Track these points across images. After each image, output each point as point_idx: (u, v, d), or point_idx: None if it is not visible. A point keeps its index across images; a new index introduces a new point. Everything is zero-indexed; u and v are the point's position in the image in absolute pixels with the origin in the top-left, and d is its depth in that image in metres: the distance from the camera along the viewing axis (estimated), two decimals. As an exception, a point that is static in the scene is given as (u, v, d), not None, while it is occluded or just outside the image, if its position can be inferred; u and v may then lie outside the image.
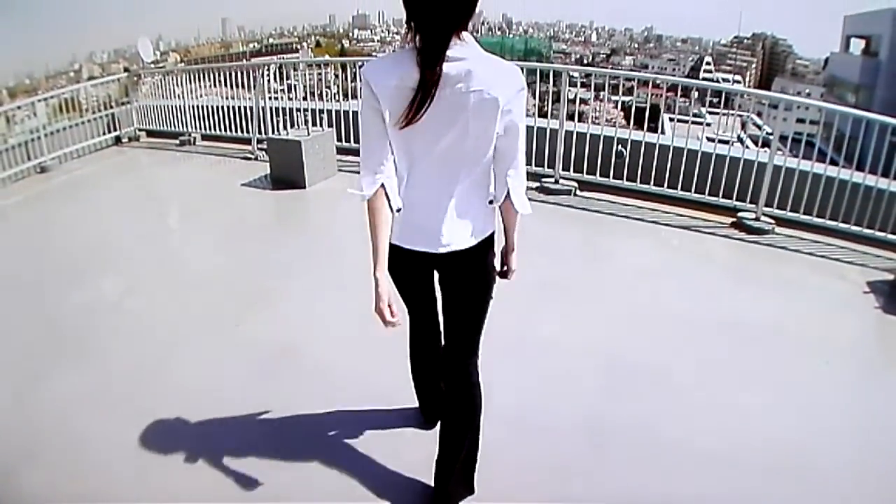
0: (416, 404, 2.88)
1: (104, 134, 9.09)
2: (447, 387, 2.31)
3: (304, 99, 8.08)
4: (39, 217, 6.47)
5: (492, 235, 2.12)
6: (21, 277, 4.79)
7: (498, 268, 2.30)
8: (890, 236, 5.06)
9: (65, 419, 3.05)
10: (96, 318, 4.02)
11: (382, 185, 1.87)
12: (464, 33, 1.79)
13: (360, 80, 1.97)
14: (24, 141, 8.09)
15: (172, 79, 9.29)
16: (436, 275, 2.25)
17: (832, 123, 5.63)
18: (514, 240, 2.26)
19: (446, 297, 2.22)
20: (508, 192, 1.99)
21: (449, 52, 1.74)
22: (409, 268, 2.15)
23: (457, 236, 2.02)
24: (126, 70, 10.04)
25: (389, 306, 1.96)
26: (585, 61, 79.64)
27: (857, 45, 37.61)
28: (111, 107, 9.39)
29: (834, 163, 5.55)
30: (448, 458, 2.33)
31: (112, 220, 6.03)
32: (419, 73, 1.73)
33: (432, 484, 2.44)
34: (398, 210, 1.94)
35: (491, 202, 2.06)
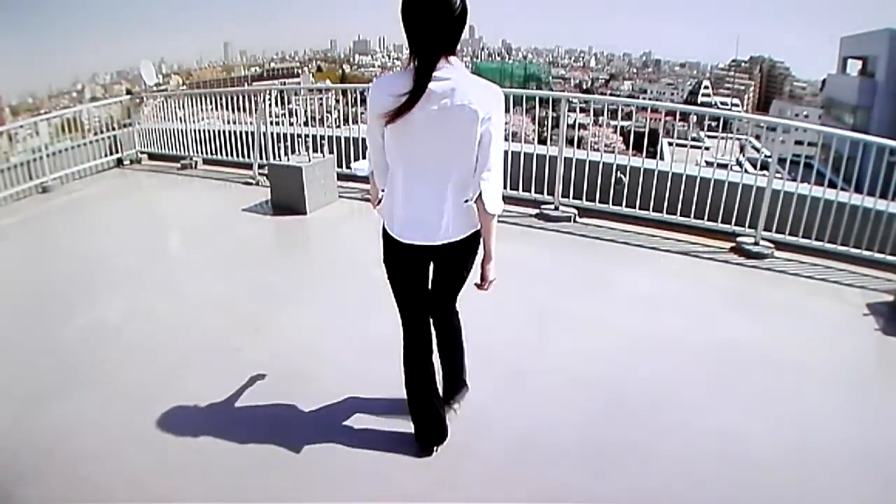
0: (412, 430, 2.90)
1: (106, 156, 9.16)
2: (436, 324, 2.80)
3: (306, 125, 8.14)
4: (41, 237, 6.51)
5: (477, 233, 2.50)
6: (22, 298, 4.83)
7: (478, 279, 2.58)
8: (889, 257, 5.07)
9: (65, 440, 3.06)
10: (97, 341, 4.03)
11: (372, 172, 2.56)
12: (451, 58, 2.23)
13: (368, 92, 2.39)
14: (26, 160, 8.15)
15: (174, 102, 9.38)
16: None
17: (830, 145, 5.66)
18: (490, 248, 2.50)
19: (437, 275, 2.66)
20: (482, 193, 2.34)
21: (437, 73, 2.18)
22: (408, 259, 2.52)
23: (450, 230, 2.42)
24: (128, 92, 10.13)
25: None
26: (584, 86, 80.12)
27: (854, 66, 37.88)
28: (113, 128, 9.47)
29: (833, 184, 5.58)
30: (448, 368, 2.93)
31: (113, 243, 6.04)
32: (412, 84, 2.16)
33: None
34: (383, 190, 2.54)
35: (466, 201, 2.39)
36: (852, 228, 5.16)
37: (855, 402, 3.48)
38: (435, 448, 2.81)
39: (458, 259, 2.56)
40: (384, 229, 2.53)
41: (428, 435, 2.82)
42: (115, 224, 6.75)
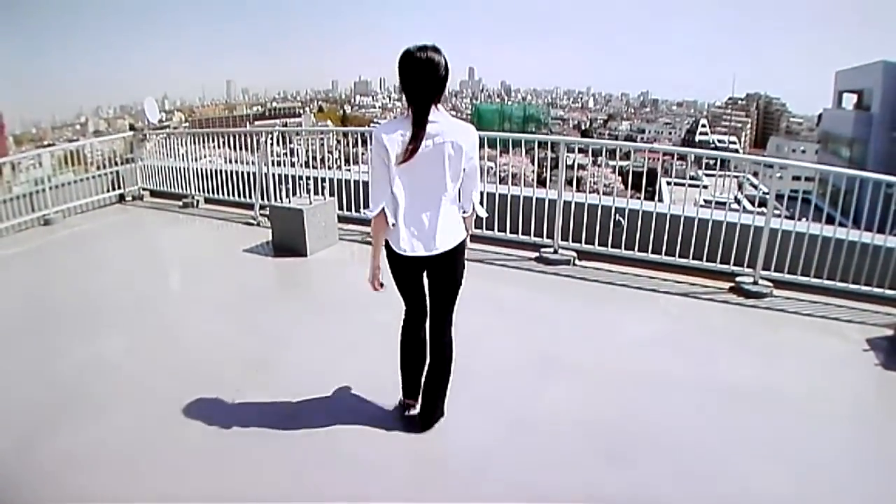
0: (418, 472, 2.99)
1: (108, 191, 9.31)
2: (431, 343, 3.27)
3: (307, 165, 8.25)
4: (42, 269, 6.56)
5: (464, 241, 3.15)
6: (23, 330, 4.87)
7: None
8: (888, 291, 5.09)
9: (62, 476, 3.07)
10: (97, 376, 4.05)
11: (383, 209, 2.93)
12: (438, 105, 2.87)
13: (372, 138, 3.03)
14: (28, 192, 8.28)
15: (177, 139, 9.54)
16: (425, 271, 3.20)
17: (827, 179, 5.69)
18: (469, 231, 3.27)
19: (432, 284, 3.19)
20: (474, 206, 3.18)
21: (429, 118, 2.82)
22: (408, 268, 3.11)
23: (441, 242, 3.01)
24: (132, 127, 10.29)
25: (378, 281, 3.13)
26: (583, 127, 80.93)
27: (850, 100, 38.03)
28: (116, 163, 9.62)
29: (830, 219, 5.59)
30: (432, 388, 3.30)
31: (114, 279, 6.09)
32: (412, 129, 2.81)
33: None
34: (393, 224, 2.96)
35: (464, 212, 3.15)
36: (851, 264, 5.18)
37: (857, 440, 3.47)
38: (415, 411, 3.36)
39: (447, 267, 3.12)
40: (389, 249, 3.06)
41: (412, 388, 3.39)
42: (117, 260, 6.81)
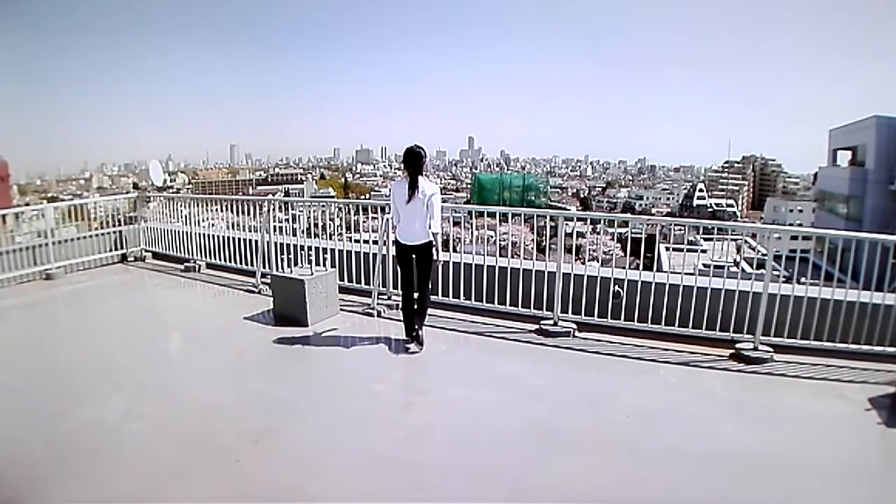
0: None
1: (111, 250, 9.52)
2: (418, 293, 5.77)
3: (308, 233, 8.39)
4: (43, 325, 6.64)
5: (430, 241, 5.64)
6: (21, 384, 4.92)
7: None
8: (889, 349, 5.11)
9: None
10: (94, 438, 4.05)
11: (390, 219, 6.07)
12: (421, 174, 5.64)
13: (389, 190, 6.06)
14: (31, 245, 8.46)
15: (180, 202, 9.77)
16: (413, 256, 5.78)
17: (824, 238, 5.73)
18: (439, 245, 5.73)
19: (417, 264, 5.74)
20: (431, 224, 5.57)
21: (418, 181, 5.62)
22: (404, 252, 5.72)
23: (419, 238, 5.62)
24: (135, 186, 10.58)
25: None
26: (582, 195, 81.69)
27: (844, 157, 38.21)
28: (119, 221, 9.83)
29: (829, 276, 5.59)
30: (419, 313, 5.81)
31: (114, 340, 6.11)
32: (409, 186, 5.57)
33: None
34: (394, 227, 5.85)
35: (427, 227, 5.57)
36: (850, 323, 5.20)
37: (863, 500, 3.47)
38: (411, 339, 5.74)
39: (423, 254, 5.67)
40: (396, 240, 5.75)
41: (409, 328, 5.80)
42: (117, 321, 6.86)
